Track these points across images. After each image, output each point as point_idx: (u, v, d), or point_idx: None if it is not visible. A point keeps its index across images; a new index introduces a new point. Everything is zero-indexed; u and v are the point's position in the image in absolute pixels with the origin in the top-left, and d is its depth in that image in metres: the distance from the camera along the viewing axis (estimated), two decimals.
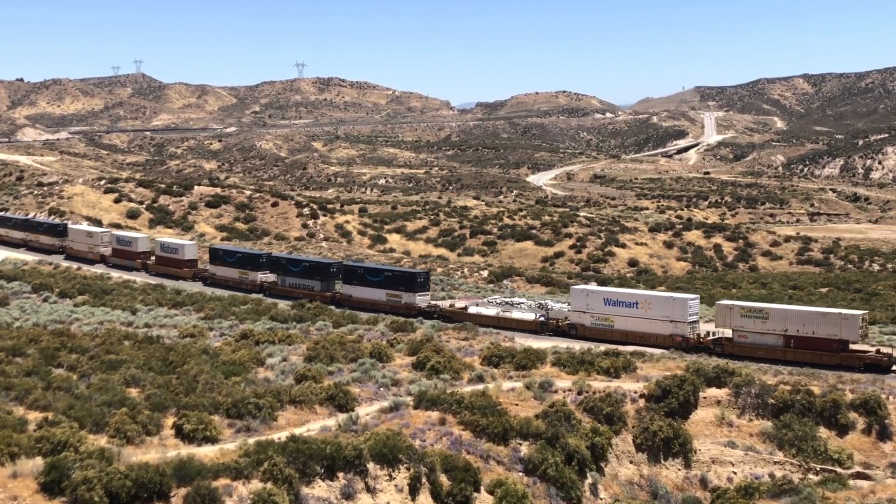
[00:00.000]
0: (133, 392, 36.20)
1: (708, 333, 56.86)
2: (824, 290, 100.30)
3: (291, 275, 78.44)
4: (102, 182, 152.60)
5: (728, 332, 55.42)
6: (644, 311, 57.26)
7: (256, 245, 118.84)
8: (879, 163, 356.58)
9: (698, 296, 61.85)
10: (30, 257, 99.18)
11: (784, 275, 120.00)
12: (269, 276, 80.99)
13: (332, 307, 70.01)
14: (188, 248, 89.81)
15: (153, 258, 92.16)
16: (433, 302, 70.06)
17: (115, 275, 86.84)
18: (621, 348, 51.64)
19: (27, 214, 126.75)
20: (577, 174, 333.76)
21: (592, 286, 71.54)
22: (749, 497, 32.81)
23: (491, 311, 65.77)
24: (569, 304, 64.75)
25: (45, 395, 34.08)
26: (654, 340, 55.69)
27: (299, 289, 76.61)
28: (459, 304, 69.84)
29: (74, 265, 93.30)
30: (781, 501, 31.50)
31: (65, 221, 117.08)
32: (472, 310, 66.14)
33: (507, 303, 71.79)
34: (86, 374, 39.29)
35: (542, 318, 62.60)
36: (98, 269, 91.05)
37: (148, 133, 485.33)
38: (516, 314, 64.92)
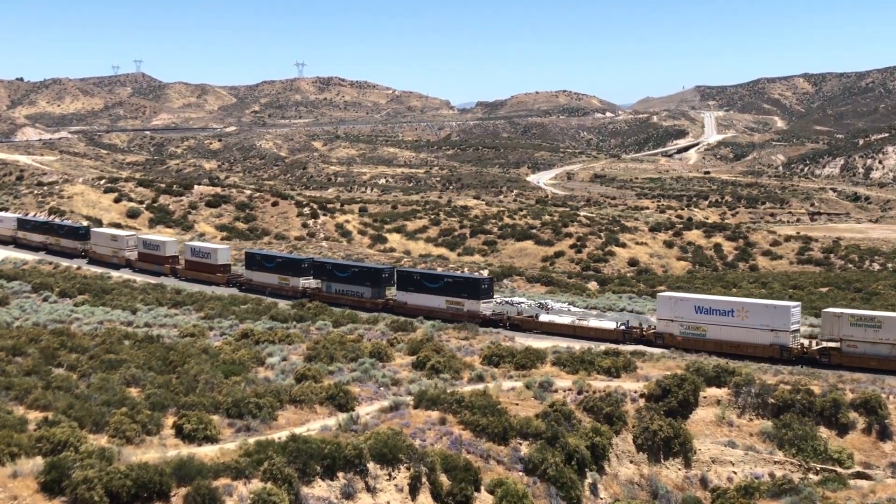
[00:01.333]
0: (133, 392, 36.20)
1: (811, 343, 53.30)
2: (825, 289, 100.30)
3: (338, 280, 74.51)
4: (102, 182, 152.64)
5: (833, 342, 51.86)
6: (740, 320, 53.85)
7: (256, 245, 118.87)
8: (880, 162, 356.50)
9: (800, 303, 58.54)
10: (30, 257, 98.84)
11: (784, 274, 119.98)
12: (311, 282, 77.35)
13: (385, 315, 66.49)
14: (221, 252, 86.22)
15: (182, 262, 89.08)
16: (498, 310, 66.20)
17: (140, 279, 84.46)
18: (622, 348, 51.61)
19: (26, 213, 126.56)
20: (578, 174, 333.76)
21: (681, 294, 64.47)
22: (749, 497, 32.81)
23: (565, 320, 61.71)
24: (567, 304, 64.57)
25: (45, 394, 34.08)
26: (752, 351, 52.37)
27: (347, 295, 73.03)
28: (522, 309, 66.23)
29: (73, 264, 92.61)
30: (781, 501, 31.50)
31: (87, 224, 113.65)
32: (544, 318, 62.46)
33: (507, 302, 71.68)
34: (86, 373, 39.28)
35: (623, 327, 58.72)
36: (125, 274, 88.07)
37: (148, 132, 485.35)
38: (594, 322, 60.53)
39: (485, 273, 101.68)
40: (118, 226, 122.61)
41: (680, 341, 55.18)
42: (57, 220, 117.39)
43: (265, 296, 75.96)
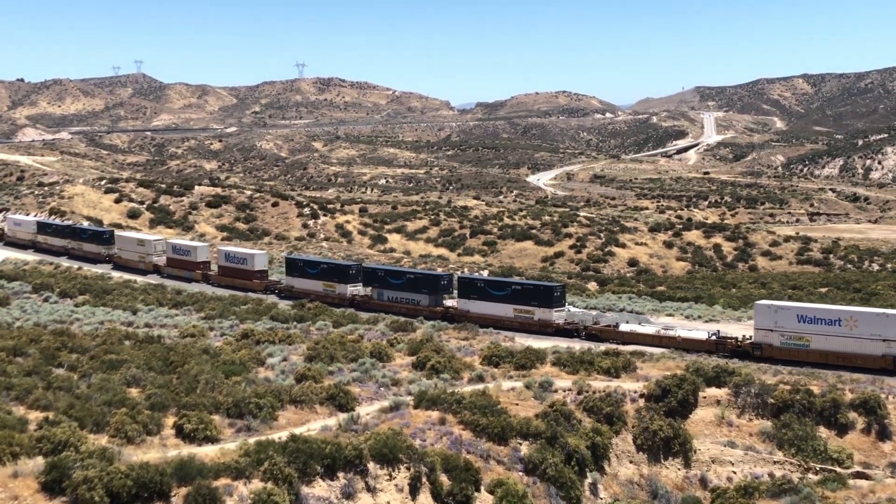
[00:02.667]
0: (133, 392, 36.24)
1: None
2: (824, 289, 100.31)
3: (391, 287, 70.84)
4: (103, 182, 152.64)
5: None
6: (849, 330, 50.74)
7: (257, 245, 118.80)
8: (879, 163, 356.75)
9: None
10: (30, 257, 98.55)
11: (784, 275, 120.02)
12: (359, 289, 73.55)
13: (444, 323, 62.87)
14: (258, 257, 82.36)
15: (216, 268, 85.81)
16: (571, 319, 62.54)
17: (170, 284, 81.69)
18: (621, 348, 51.62)
19: (26, 213, 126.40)
20: (577, 174, 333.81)
21: (782, 302, 60.00)
22: (749, 497, 32.86)
23: (649, 329, 57.81)
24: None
25: (46, 394, 34.12)
26: (862, 362, 49.45)
27: (401, 303, 69.22)
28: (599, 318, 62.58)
29: (98, 269, 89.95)
30: (781, 501, 31.56)
31: (111, 228, 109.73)
32: (625, 327, 58.57)
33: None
34: (86, 373, 39.32)
35: (714, 338, 55.04)
36: (152, 280, 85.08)
37: (148, 133, 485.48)
38: (683, 333, 56.40)
39: (485, 273, 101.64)
40: (118, 226, 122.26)
41: (780, 353, 52.18)
42: (80, 224, 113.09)
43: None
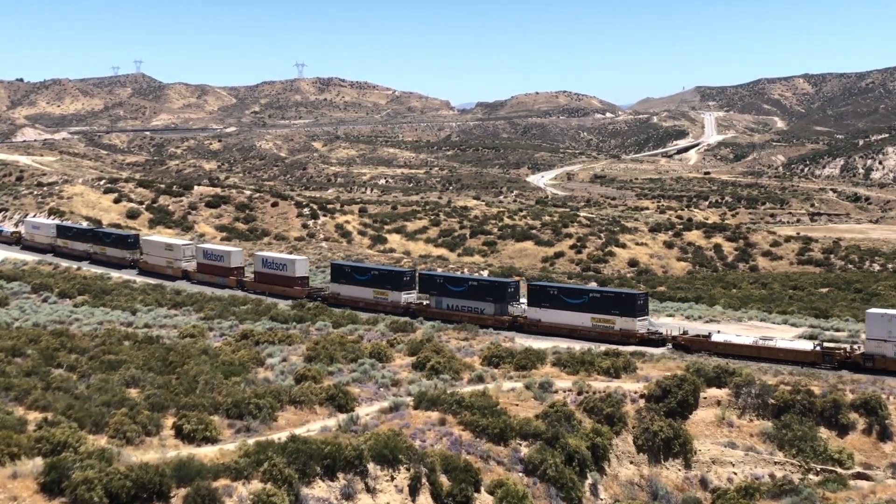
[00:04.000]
0: (133, 392, 36.18)
1: None
2: (825, 290, 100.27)
3: (451, 295, 67.16)
4: (102, 182, 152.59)
5: None
6: None
7: (256, 245, 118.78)
8: (880, 163, 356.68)
9: None
10: (29, 257, 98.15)
11: (784, 275, 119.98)
12: (413, 296, 69.92)
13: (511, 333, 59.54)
14: (299, 263, 78.53)
15: (252, 275, 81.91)
16: (655, 327, 59.05)
17: (198, 289, 78.46)
18: (621, 348, 51.51)
19: (26, 215, 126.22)
20: (578, 174, 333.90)
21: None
22: (749, 497, 32.79)
23: (745, 340, 53.60)
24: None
25: (45, 395, 34.06)
26: None
27: (462, 311, 65.56)
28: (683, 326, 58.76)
29: (123, 275, 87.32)
30: (782, 502, 31.50)
31: (137, 232, 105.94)
32: (718, 338, 54.25)
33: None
34: (85, 374, 39.28)
35: (819, 348, 51.28)
36: (190, 287, 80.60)
37: (148, 133, 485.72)
38: (783, 343, 52.45)
39: (485, 273, 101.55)
40: (118, 226, 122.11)
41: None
42: (103, 228, 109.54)
43: (357, 311, 68.09)
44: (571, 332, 59.19)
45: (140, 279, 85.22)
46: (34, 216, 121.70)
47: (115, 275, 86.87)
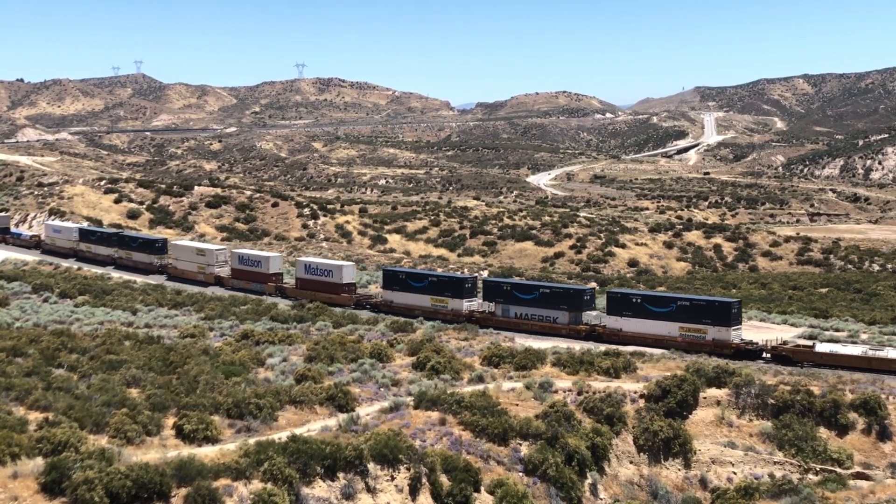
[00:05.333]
0: (133, 392, 36.22)
1: None
2: (824, 290, 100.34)
3: (520, 303, 63.79)
4: (103, 182, 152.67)
5: None
6: None
7: (256, 245, 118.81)
8: (879, 163, 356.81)
9: None
10: (29, 257, 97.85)
11: (784, 275, 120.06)
12: (475, 304, 66.79)
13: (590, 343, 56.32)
14: (346, 269, 75.12)
15: (294, 281, 78.94)
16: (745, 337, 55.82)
17: (140, 280, 75.91)
18: (621, 348, 51.53)
19: (27, 216, 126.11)
20: (577, 174, 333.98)
21: None
22: (749, 497, 32.84)
23: (855, 350, 50.04)
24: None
25: (46, 395, 34.09)
26: None
27: (532, 320, 62.67)
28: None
29: (150, 280, 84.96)
30: (781, 502, 31.53)
31: (164, 236, 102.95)
32: (823, 348, 51.05)
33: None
34: (86, 374, 39.31)
35: None
36: (214, 292, 78.20)
37: (148, 133, 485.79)
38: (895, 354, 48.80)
39: (484, 273, 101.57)
40: (118, 226, 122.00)
41: None
42: (129, 232, 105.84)
43: (414, 319, 64.15)
44: (657, 342, 55.93)
45: (171, 284, 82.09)
46: (53, 219, 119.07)
47: (141, 280, 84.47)
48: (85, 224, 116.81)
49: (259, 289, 78.80)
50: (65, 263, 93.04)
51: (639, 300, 59.11)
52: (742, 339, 54.85)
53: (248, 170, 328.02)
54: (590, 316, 61.80)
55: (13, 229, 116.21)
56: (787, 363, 50.10)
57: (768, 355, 52.61)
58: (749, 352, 53.41)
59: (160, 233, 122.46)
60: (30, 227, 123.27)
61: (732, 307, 55.60)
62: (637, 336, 57.38)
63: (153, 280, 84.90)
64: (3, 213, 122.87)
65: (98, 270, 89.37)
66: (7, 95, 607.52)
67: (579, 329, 60.58)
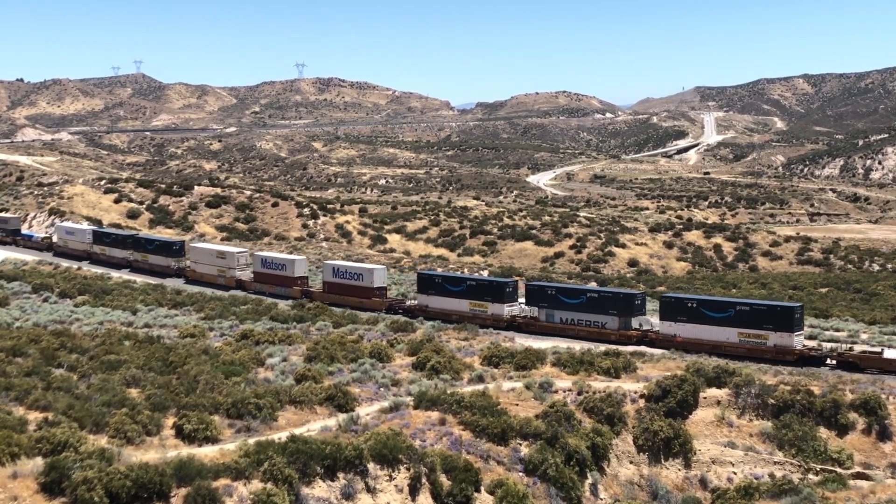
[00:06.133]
0: (133, 392, 36.20)
1: None
2: (824, 290, 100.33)
3: (566, 308, 61.58)
4: (102, 182, 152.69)
5: None
6: None
7: (256, 245, 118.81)
8: (879, 163, 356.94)
9: None
10: (29, 257, 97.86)
11: (784, 275, 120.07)
12: (516, 308, 64.50)
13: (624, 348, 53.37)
14: (377, 273, 72.88)
15: (321, 285, 77.00)
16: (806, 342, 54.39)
17: (141, 280, 74.43)
18: (621, 348, 51.51)
19: (13, 214, 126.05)
20: (577, 174, 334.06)
21: None
22: (749, 497, 32.81)
23: None
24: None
25: (45, 395, 34.07)
26: None
27: (580, 326, 60.39)
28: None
29: (74, 265, 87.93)
30: (781, 502, 31.51)
31: (183, 238, 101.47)
32: (891, 354, 49.12)
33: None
34: (86, 374, 39.28)
35: None
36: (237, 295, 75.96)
37: (148, 133, 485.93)
38: None
39: (485, 273, 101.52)
40: (118, 226, 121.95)
41: None
42: (145, 234, 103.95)
43: (451, 324, 61.92)
44: (714, 348, 54.04)
45: (191, 288, 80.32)
46: (65, 221, 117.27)
47: (157, 282, 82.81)
48: (85, 224, 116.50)
49: (284, 293, 76.61)
50: (78, 265, 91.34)
51: (694, 305, 56.89)
52: (804, 346, 53.17)
53: (248, 170, 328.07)
54: (643, 321, 59.36)
55: (24, 231, 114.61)
56: (854, 370, 48.37)
57: (833, 362, 50.79)
58: (813, 358, 51.63)
59: (160, 232, 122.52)
60: (29, 226, 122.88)
61: (795, 312, 53.60)
62: (693, 342, 55.17)
63: (170, 283, 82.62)
64: (13, 215, 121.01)
65: (113, 274, 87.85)
66: (7, 95, 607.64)
67: (630, 335, 58.32)
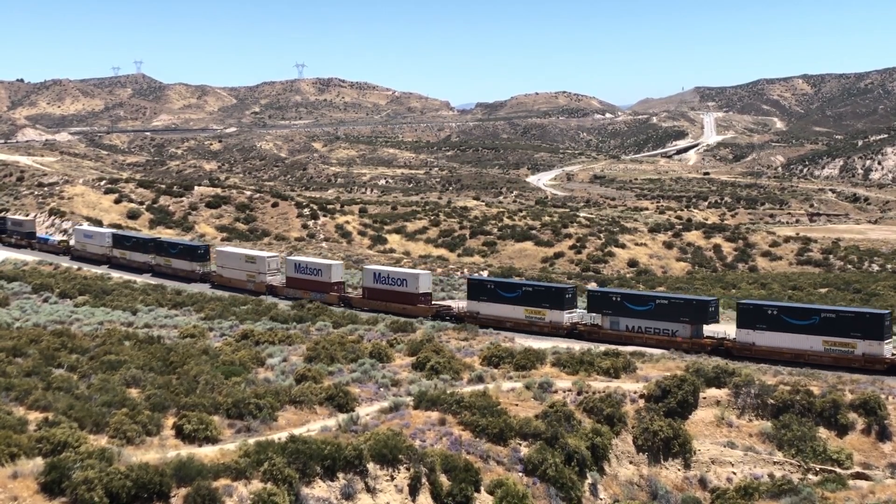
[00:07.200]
0: (133, 392, 36.22)
1: None
2: (824, 290, 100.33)
3: (632, 315, 59.03)
4: (103, 182, 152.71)
5: None
6: None
7: (256, 245, 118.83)
8: (879, 163, 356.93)
9: None
10: (30, 257, 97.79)
11: (783, 275, 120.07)
12: (576, 315, 62.13)
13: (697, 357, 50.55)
14: (423, 278, 70.13)
15: (360, 290, 74.20)
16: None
17: (140, 280, 72.91)
18: (621, 348, 51.49)
19: (21, 216, 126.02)
20: (577, 175, 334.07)
21: None
22: (748, 497, 32.86)
23: None
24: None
25: (46, 395, 34.09)
26: None
27: (647, 334, 57.94)
28: None
29: (193, 288, 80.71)
30: (781, 502, 31.56)
31: (207, 242, 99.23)
32: None
33: None
34: (86, 374, 39.31)
35: None
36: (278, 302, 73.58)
37: (148, 133, 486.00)
38: None
39: (485, 274, 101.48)
40: (118, 226, 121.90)
41: None
42: (168, 238, 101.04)
43: (506, 331, 60.62)
44: (796, 357, 51.94)
45: (217, 293, 78.21)
46: (84, 224, 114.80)
47: (187, 288, 79.45)
48: (85, 224, 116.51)
49: (319, 298, 73.41)
50: (98, 270, 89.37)
51: (775, 312, 54.31)
52: (894, 354, 50.64)
53: (248, 170, 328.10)
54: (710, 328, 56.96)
55: (40, 234, 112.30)
56: None
57: None
58: None
59: (160, 233, 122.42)
60: (48, 230, 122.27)
61: (885, 319, 51.45)
62: (773, 351, 53.03)
63: (195, 288, 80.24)
64: (28, 218, 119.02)
65: (129, 275, 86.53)
66: (7, 95, 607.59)
67: (704, 343, 55.89)
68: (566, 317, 61.33)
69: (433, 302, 70.07)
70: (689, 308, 57.41)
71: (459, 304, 69.59)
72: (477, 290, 66.30)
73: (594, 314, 61.21)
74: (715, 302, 59.20)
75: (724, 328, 57.13)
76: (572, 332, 60.67)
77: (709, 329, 57.09)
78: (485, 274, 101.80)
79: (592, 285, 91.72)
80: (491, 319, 63.51)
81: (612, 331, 59.60)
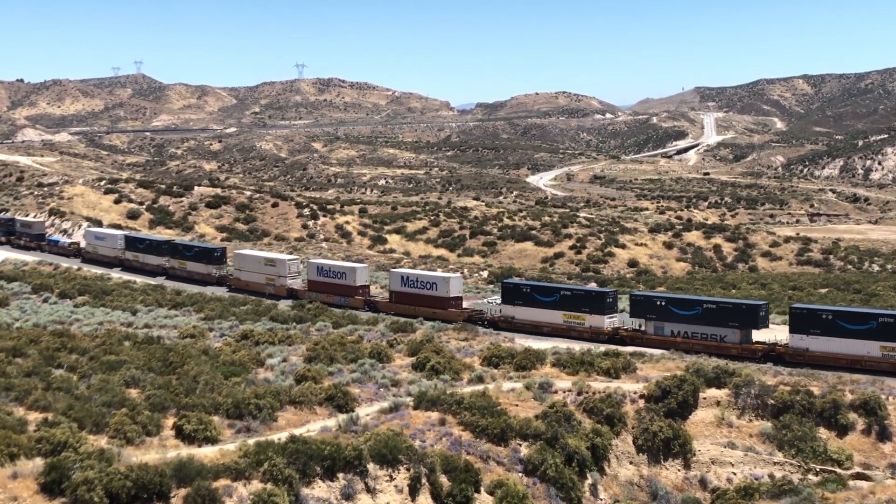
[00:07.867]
0: (133, 393, 36.21)
1: None
2: (824, 290, 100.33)
3: (677, 320, 57.05)
4: (102, 183, 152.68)
5: None
6: None
7: (256, 245, 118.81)
8: (879, 163, 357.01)
9: None
10: (30, 258, 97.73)
11: (784, 275, 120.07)
12: (616, 320, 60.43)
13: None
14: (453, 282, 67.94)
15: (388, 294, 72.53)
16: None
17: (140, 280, 71.57)
18: (621, 348, 51.46)
19: (18, 215, 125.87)
20: (577, 175, 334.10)
21: None
22: (749, 497, 32.84)
23: None
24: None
25: (45, 395, 34.08)
26: None
27: (694, 339, 55.75)
28: None
29: (207, 290, 79.53)
30: (781, 502, 31.55)
31: (223, 245, 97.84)
32: None
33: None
34: (86, 374, 39.30)
35: None
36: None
37: (148, 134, 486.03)
38: None
39: (485, 274, 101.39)
40: (118, 226, 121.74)
41: None
42: (182, 240, 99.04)
43: (541, 335, 59.49)
44: (852, 363, 49.99)
45: (232, 294, 77.35)
46: (84, 225, 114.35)
47: (197, 290, 78.46)
48: (85, 224, 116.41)
49: (344, 303, 71.99)
50: (115, 274, 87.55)
51: (830, 316, 52.32)
52: None
53: (248, 170, 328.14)
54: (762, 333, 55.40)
55: (50, 236, 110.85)
56: None
57: None
58: None
59: (160, 233, 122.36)
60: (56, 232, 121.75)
61: None
62: (829, 357, 51.14)
63: (211, 292, 77.90)
64: (37, 220, 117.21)
65: (151, 281, 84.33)
66: (7, 96, 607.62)
67: (754, 349, 54.05)
68: (607, 321, 59.61)
69: (464, 306, 67.94)
70: (739, 312, 55.62)
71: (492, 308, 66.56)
72: (512, 293, 64.16)
73: (636, 319, 59.54)
74: (765, 306, 57.66)
75: (775, 334, 55.57)
76: (614, 337, 58.81)
77: (757, 334, 55.46)
78: (485, 274, 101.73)
79: (593, 285, 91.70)
80: (527, 324, 62.02)
81: (656, 336, 57.60)
